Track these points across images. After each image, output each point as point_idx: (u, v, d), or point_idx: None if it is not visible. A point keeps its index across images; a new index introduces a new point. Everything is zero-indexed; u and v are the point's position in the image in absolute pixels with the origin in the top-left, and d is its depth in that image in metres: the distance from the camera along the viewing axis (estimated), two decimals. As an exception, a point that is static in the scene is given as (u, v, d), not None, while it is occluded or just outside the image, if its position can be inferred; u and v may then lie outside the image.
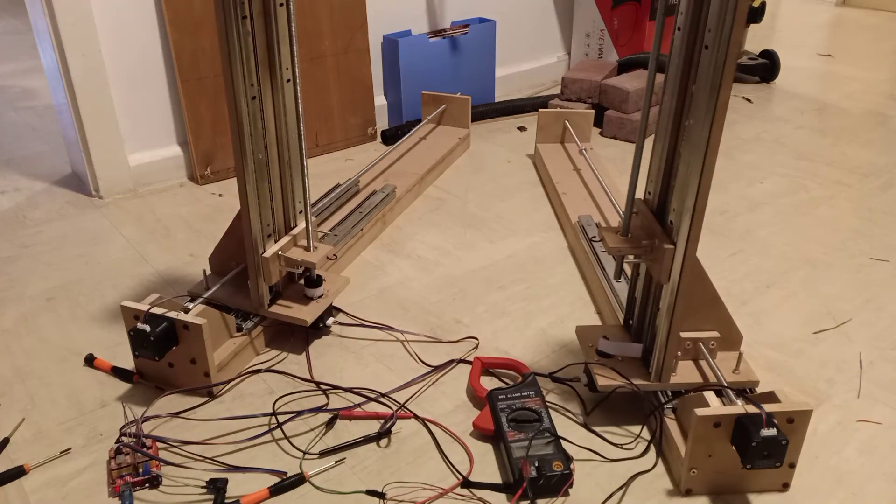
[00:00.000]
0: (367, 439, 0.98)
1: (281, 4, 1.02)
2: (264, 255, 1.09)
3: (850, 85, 2.57)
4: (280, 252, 1.11)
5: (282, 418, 1.01)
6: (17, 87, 2.53)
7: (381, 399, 1.06)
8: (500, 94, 2.37)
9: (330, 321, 1.17)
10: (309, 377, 1.10)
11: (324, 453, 0.96)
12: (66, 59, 1.56)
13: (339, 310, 1.24)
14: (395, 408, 1.04)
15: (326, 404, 1.05)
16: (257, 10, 1.00)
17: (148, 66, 1.69)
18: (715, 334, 1.01)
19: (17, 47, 3.01)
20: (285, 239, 1.13)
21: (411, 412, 1.03)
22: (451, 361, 1.14)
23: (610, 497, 0.90)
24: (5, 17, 3.51)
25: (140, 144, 1.74)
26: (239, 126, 1.01)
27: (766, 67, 2.56)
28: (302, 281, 1.15)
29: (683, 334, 1.00)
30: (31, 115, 2.27)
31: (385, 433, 0.99)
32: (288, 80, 1.07)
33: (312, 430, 1.00)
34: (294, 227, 1.16)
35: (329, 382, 1.08)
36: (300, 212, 1.16)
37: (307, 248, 1.13)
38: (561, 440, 0.93)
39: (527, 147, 2.00)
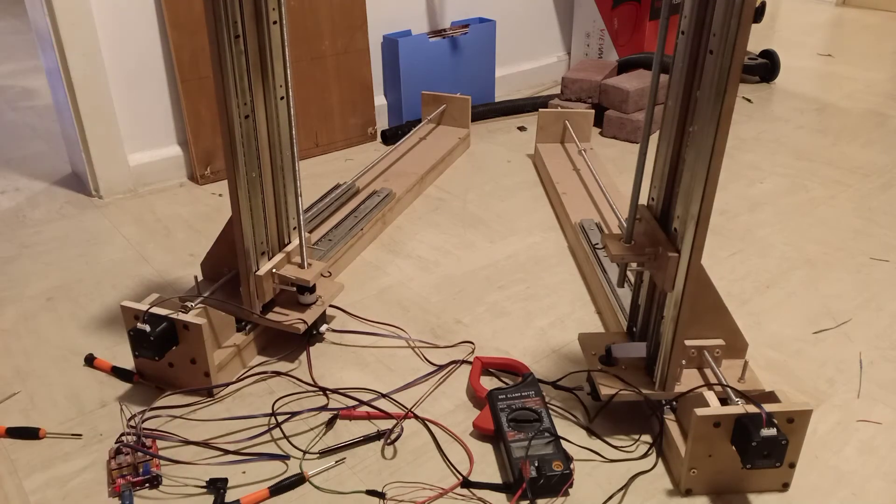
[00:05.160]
0: (366, 439, 0.98)
1: (274, 22, 1.02)
2: (258, 273, 1.08)
3: (850, 85, 2.57)
4: (274, 270, 1.11)
5: (281, 418, 1.01)
6: (17, 87, 2.53)
7: (384, 401, 1.06)
8: (500, 94, 2.37)
9: (323, 328, 1.17)
10: (309, 377, 1.10)
11: (324, 453, 0.96)
12: (66, 59, 1.56)
13: (337, 309, 1.25)
14: (399, 412, 1.04)
15: (326, 404, 1.05)
16: (250, 29, 0.99)
17: (148, 67, 1.69)
18: (720, 342, 1.00)
19: (17, 47, 3.01)
20: (279, 256, 1.12)
21: (411, 412, 1.03)
22: (454, 362, 1.14)
23: (610, 497, 0.90)
24: (5, 17, 3.51)
25: (140, 144, 1.74)
26: (232, 145, 1.00)
27: (766, 67, 2.56)
28: (295, 288, 1.15)
29: (688, 342, 0.99)
30: (31, 115, 2.27)
31: (386, 438, 0.99)
32: (282, 98, 1.07)
33: (312, 429, 1.00)
34: (288, 244, 1.15)
35: (329, 383, 1.08)
36: (294, 228, 1.16)
37: (301, 265, 1.13)
38: (561, 440, 0.93)
39: (527, 147, 2.00)
